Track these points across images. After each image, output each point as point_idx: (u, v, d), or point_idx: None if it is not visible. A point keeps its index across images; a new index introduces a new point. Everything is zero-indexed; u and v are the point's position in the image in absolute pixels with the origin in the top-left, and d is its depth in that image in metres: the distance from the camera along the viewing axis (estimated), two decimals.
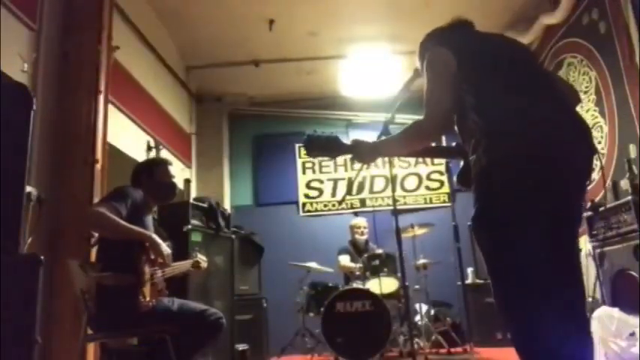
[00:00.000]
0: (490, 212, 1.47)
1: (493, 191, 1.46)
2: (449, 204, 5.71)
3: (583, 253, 3.82)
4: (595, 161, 1.56)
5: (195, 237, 3.62)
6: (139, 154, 4.30)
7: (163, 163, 2.71)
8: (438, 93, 1.59)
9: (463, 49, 1.63)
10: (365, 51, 5.75)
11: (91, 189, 3.00)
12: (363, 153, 1.73)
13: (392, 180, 2.91)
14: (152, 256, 2.29)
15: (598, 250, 3.52)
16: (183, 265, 2.60)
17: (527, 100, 1.52)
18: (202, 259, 2.75)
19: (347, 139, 1.77)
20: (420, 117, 1.60)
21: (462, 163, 1.87)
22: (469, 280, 5.14)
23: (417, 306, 4.64)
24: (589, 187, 1.59)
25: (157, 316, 2.25)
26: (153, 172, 2.62)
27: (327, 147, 1.74)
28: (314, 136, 1.74)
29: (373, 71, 6.05)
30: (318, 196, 6.50)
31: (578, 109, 1.69)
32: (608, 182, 3.93)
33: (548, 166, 1.43)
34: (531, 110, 1.49)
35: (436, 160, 6.24)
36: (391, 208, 4.50)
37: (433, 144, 1.87)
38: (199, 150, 6.23)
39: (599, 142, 4.31)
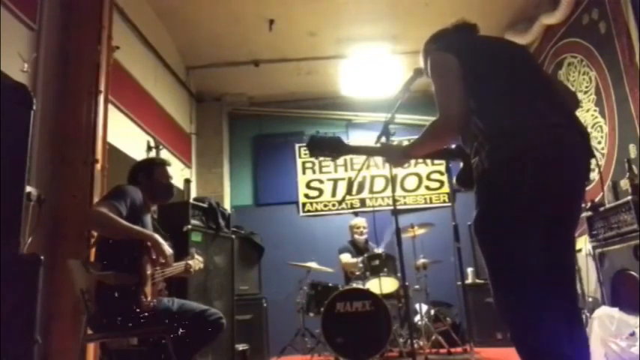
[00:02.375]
0: (491, 214, 1.49)
1: (495, 194, 1.48)
2: (449, 204, 5.68)
3: (583, 253, 3.82)
4: (593, 163, 1.57)
5: (195, 237, 3.61)
6: (139, 154, 4.29)
7: (161, 164, 2.71)
8: (446, 91, 1.61)
9: (465, 53, 1.64)
10: (365, 51, 5.75)
11: (91, 189, 3.00)
12: (395, 158, 1.83)
13: (392, 180, 2.90)
14: (154, 256, 2.29)
15: (598, 250, 3.51)
16: (180, 266, 2.60)
17: (528, 103, 1.53)
18: (199, 259, 2.75)
19: (347, 139, 1.80)
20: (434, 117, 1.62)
21: (461, 164, 1.88)
22: (469, 280, 5.13)
23: (417, 306, 4.64)
24: (589, 188, 1.61)
25: (157, 316, 2.25)
26: (150, 172, 2.62)
27: (329, 147, 1.80)
28: (317, 137, 1.81)
29: (373, 71, 6.05)
30: (318, 196, 6.50)
31: (577, 111, 1.70)
32: (608, 182, 3.92)
33: (548, 169, 1.45)
34: (532, 114, 1.51)
35: (436, 160, 6.23)
36: (391, 208, 4.50)
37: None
38: (199, 150, 6.24)
39: (599, 142, 4.30)
